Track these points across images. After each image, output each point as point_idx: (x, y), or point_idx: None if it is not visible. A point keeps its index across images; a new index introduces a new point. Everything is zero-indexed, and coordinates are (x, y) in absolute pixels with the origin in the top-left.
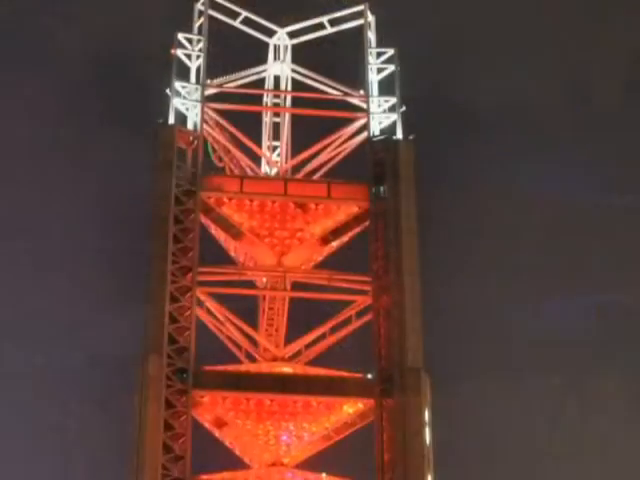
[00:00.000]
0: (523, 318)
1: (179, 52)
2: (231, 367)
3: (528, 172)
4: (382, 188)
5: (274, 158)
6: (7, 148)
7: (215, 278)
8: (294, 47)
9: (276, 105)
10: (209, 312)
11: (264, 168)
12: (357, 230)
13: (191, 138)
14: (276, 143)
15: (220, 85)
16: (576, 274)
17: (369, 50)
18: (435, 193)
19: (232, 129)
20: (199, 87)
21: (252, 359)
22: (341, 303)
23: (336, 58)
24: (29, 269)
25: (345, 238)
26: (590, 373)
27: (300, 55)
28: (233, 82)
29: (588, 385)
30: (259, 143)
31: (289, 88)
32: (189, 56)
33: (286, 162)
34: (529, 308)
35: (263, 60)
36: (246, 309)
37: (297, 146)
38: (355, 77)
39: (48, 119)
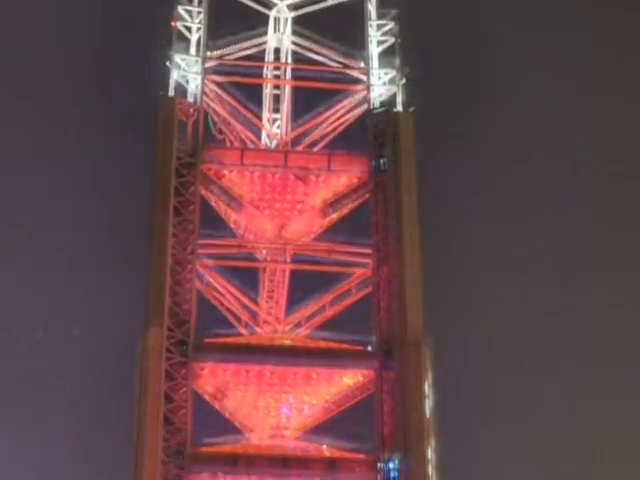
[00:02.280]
0: (523, 286)
1: (179, 24)
2: (231, 339)
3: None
4: (382, 160)
5: (274, 130)
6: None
7: (215, 250)
8: (294, 19)
9: (276, 77)
10: (209, 284)
11: (264, 140)
12: (357, 202)
13: (191, 110)
14: (276, 115)
15: (220, 57)
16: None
17: (369, 22)
18: (436, 165)
19: (232, 101)
20: (199, 59)
21: (252, 331)
22: (341, 275)
23: (336, 31)
24: (28, 241)
25: (345, 210)
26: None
27: (300, 28)
28: (233, 54)
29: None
30: (259, 115)
31: (289, 60)
32: (189, 28)
33: (286, 134)
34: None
35: (263, 33)
36: (246, 281)
37: (297, 118)
38: (355, 49)
39: (45, 91)
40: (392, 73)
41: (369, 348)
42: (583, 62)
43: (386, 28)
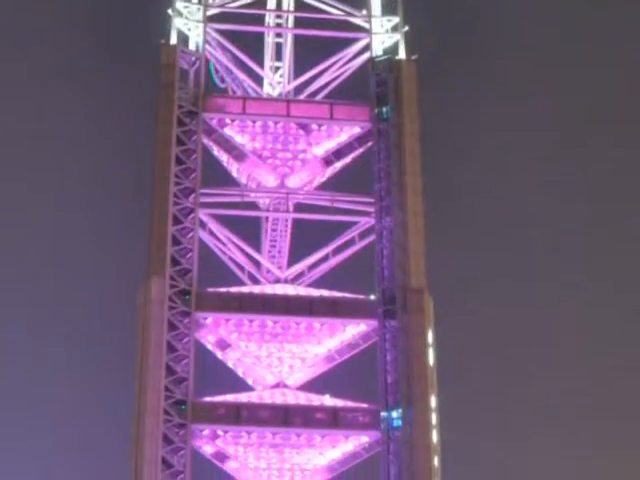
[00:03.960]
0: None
1: None
2: (234, 289)
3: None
4: (385, 109)
5: (276, 79)
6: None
7: (218, 200)
8: None
9: (278, 25)
10: (212, 234)
11: (266, 89)
12: (360, 151)
13: (193, 59)
14: (278, 64)
15: (222, 5)
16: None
17: None
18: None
19: (234, 50)
20: (201, 7)
21: (255, 281)
22: (344, 225)
23: None
24: (29, 196)
25: (348, 159)
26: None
27: None
28: (235, 2)
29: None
30: (261, 64)
31: (291, 8)
32: None
33: (288, 83)
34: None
35: None
36: (249, 232)
37: (299, 67)
38: None
39: (49, 41)
40: (394, 20)
41: (372, 297)
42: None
43: None
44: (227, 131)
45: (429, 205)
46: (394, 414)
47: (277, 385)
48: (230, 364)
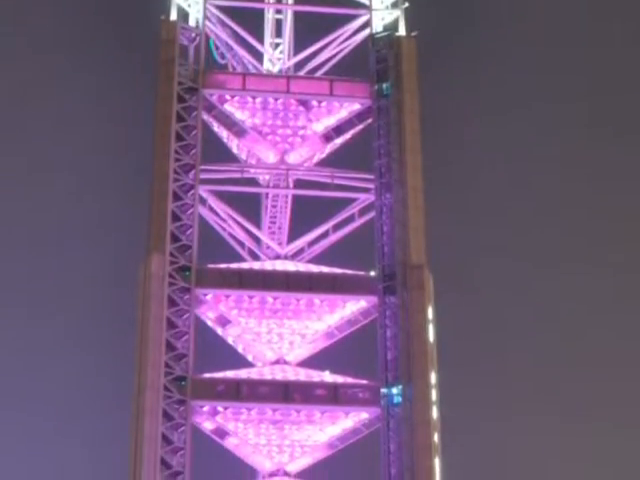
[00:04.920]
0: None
1: None
2: (234, 265)
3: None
4: (385, 85)
5: (276, 55)
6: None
7: (218, 176)
8: None
9: (278, 1)
10: (212, 210)
11: (266, 65)
12: (360, 127)
13: (193, 35)
14: (278, 40)
15: None
16: None
17: None
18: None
19: (234, 26)
20: None
21: (255, 257)
22: (344, 201)
23: None
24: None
25: (348, 136)
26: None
27: None
28: None
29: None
30: (261, 40)
31: None
32: None
33: (288, 59)
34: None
35: None
36: (249, 208)
37: (299, 44)
38: None
39: (48, 16)
40: None
41: (372, 274)
42: None
43: None
44: (227, 107)
45: (429, 182)
46: (394, 390)
47: (277, 361)
48: (230, 340)
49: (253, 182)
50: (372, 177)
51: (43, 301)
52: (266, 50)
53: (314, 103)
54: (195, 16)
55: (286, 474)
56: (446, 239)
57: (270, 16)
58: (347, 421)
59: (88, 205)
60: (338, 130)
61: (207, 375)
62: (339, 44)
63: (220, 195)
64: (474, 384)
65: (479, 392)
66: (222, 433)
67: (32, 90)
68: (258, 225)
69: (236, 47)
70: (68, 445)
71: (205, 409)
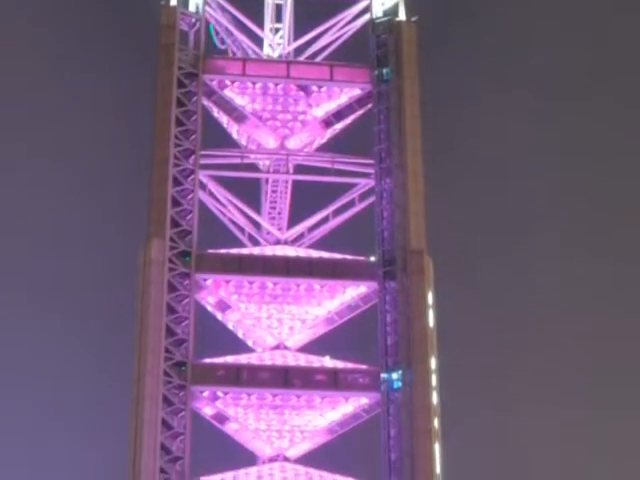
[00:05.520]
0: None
1: None
2: (234, 250)
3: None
4: (384, 70)
5: (276, 41)
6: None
7: (218, 161)
8: None
9: None
10: (212, 195)
11: (266, 50)
12: (360, 112)
13: (193, 20)
14: (278, 25)
15: None
16: None
17: None
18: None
19: (234, 11)
20: None
21: (255, 242)
22: (344, 186)
23: None
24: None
25: (348, 121)
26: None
27: None
28: None
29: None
30: (261, 25)
31: None
32: None
33: (288, 45)
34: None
35: None
36: (249, 193)
37: (299, 29)
38: None
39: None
40: None
41: (372, 259)
42: None
43: None
44: (227, 92)
45: (429, 166)
46: (394, 375)
47: (277, 347)
48: (230, 326)
49: (253, 167)
50: (372, 162)
51: (43, 289)
52: (266, 35)
53: (314, 88)
54: (195, 1)
55: (286, 459)
56: (447, 224)
57: (270, 1)
58: (347, 406)
59: (89, 195)
60: (338, 115)
61: (207, 360)
62: (339, 29)
63: (220, 180)
64: (474, 369)
65: (479, 377)
66: (222, 418)
67: (31, 76)
68: (258, 210)
69: (236, 32)
70: (65, 429)
71: (205, 394)
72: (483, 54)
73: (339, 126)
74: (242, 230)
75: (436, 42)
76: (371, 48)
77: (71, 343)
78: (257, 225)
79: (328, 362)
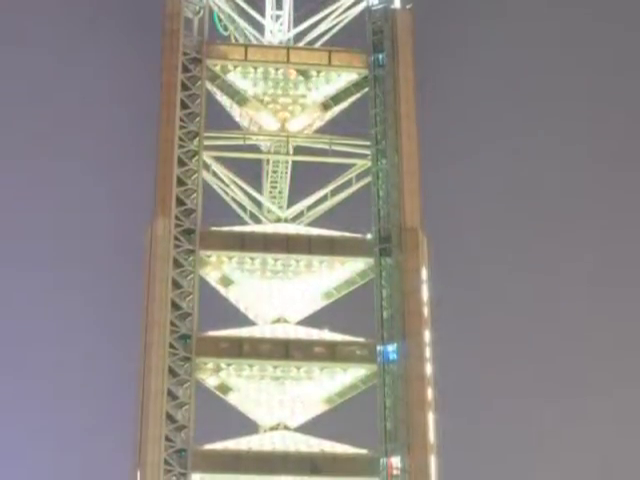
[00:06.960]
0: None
1: None
2: (237, 228)
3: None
4: (380, 56)
5: (277, 27)
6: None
7: (221, 142)
8: None
9: None
10: (215, 175)
11: (267, 37)
12: (357, 96)
13: (197, 8)
14: (279, 12)
15: None
16: None
17: None
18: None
19: None
20: None
21: (257, 220)
22: (342, 166)
23: None
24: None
25: (345, 104)
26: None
27: None
28: None
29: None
30: (263, 13)
31: None
32: None
33: (288, 31)
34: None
35: None
36: (251, 173)
37: (299, 16)
38: None
39: None
40: None
41: (369, 236)
42: None
43: None
44: (230, 77)
45: (425, 147)
46: (389, 348)
47: (278, 320)
48: (233, 300)
49: (255, 149)
50: (369, 144)
51: (53, 263)
52: (267, 22)
53: (313, 73)
54: None
55: (286, 428)
56: (443, 204)
57: None
58: (345, 377)
59: (97, 171)
60: (336, 99)
61: (211, 333)
62: (337, 16)
63: (223, 161)
64: (470, 343)
65: (475, 351)
66: (225, 389)
67: (38, 63)
68: (259, 190)
69: (238, 19)
70: (70, 404)
71: (209, 366)
72: (480, 39)
73: (337, 109)
74: (244, 208)
75: (431, 27)
76: (367, 34)
77: (77, 316)
78: (258, 204)
79: (327, 335)
